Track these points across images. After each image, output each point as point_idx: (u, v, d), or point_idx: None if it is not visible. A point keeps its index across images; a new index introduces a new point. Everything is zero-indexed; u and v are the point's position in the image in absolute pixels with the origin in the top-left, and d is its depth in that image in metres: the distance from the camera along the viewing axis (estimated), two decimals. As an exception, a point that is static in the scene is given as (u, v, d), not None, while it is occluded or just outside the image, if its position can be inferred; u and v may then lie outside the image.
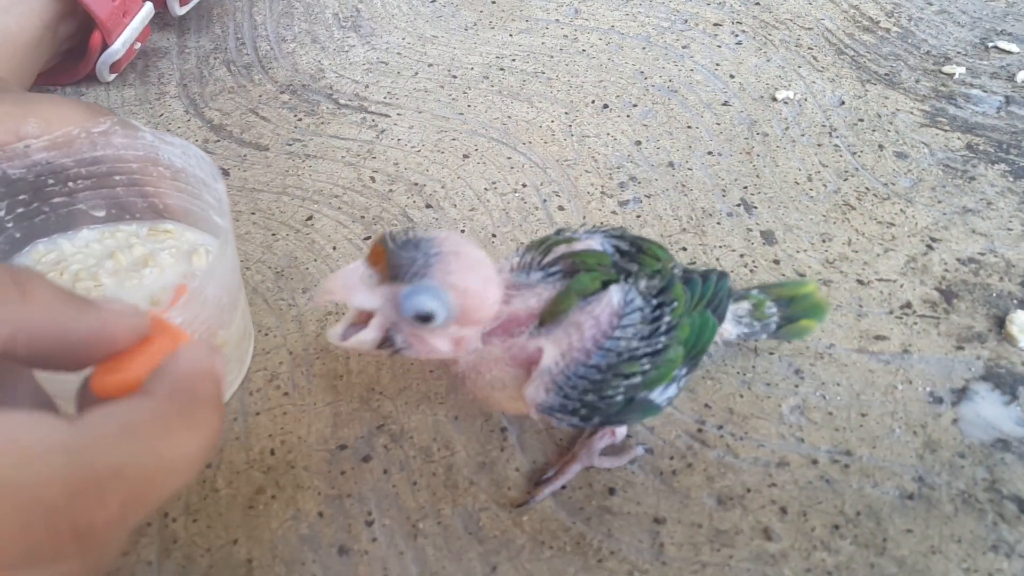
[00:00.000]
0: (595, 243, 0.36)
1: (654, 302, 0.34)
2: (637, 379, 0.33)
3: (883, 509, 0.38)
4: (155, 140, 0.41)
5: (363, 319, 0.33)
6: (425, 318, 0.32)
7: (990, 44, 0.65)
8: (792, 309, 0.41)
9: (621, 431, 0.39)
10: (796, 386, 0.42)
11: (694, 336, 0.36)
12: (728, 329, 0.40)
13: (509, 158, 0.56)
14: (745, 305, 0.40)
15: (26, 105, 0.41)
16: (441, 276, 0.31)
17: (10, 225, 0.42)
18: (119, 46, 0.58)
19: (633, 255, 0.36)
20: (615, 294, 0.33)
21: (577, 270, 0.34)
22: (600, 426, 0.36)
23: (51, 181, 0.42)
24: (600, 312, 0.33)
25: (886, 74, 0.63)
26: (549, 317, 0.33)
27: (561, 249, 0.36)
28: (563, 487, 0.39)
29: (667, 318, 0.34)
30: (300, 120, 0.60)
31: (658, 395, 0.35)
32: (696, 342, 0.36)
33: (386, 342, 0.33)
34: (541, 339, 0.33)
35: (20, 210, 0.42)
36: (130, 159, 0.42)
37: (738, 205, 0.52)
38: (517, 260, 0.36)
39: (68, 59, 0.61)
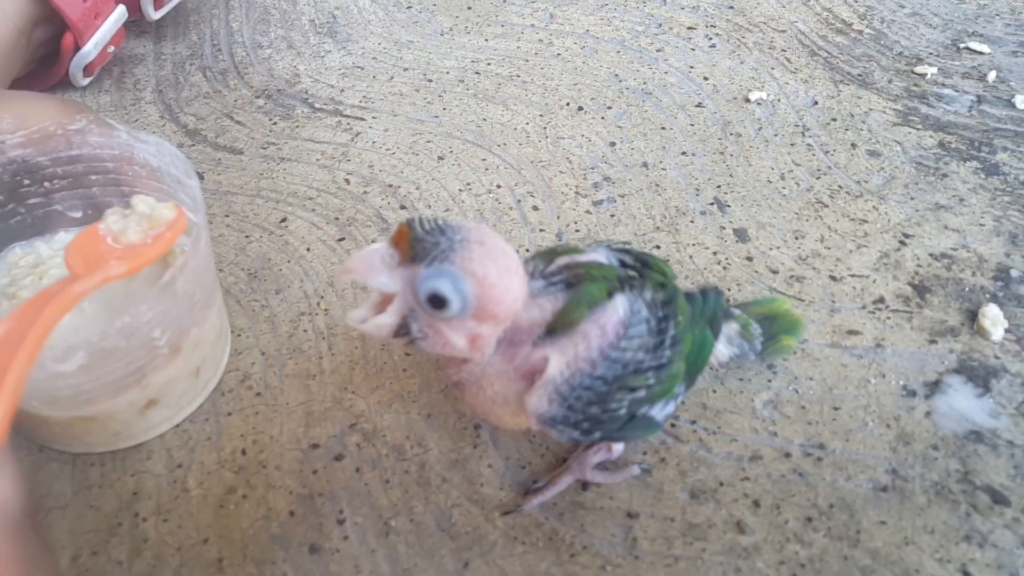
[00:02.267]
0: (601, 256, 0.35)
1: (660, 313, 0.34)
2: (642, 393, 0.33)
3: (856, 501, 0.38)
4: (130, 138, 0.41)
5: (385, 305, 0.32)
6: (440, 303, 0.30)
7: (962, 45, 0.66)
8: (772, 328, 0.41)
9: (618, 447, 0.38)
10: (769, 381, 0.42)
11: (695, 352, 0.35)
12: (721, 351, 0.39)
13: (484, 160, 0.56)
14: (734, 326, 0.40)
15: (1, 102, 0.40)
16: (462, 262, 0.30)
17: (-14, 227, 0.41)
18: (91, 47, 0.58)
19: (639, 269, 0.35)
20: (621, 304, 0.33)
21: (581, 280, 0.34)
22: (600, 441, 0.35)
23: (27, 181, 0.41)
24: (606, 321, 0.32)
25: (859, 75, 0.63)
26: (559, 328, 0.32)
27: (565, 260, 0.35)
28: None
29: (671, 331, 0.34)
30: (275, 124, 0.60)
31: (658, 411, 0.34)
32: (696, 358, 0.36)
33: (403, 329, 0.32)
34: (546, 349, 0.32)
35: (-5, 212, 0.41)
36: (106, 158, 0.42)
37: (711, 204, 0.53)
38: None
39: (42, 66, 0.61)
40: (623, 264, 0.35)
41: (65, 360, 0.34)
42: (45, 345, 0.38)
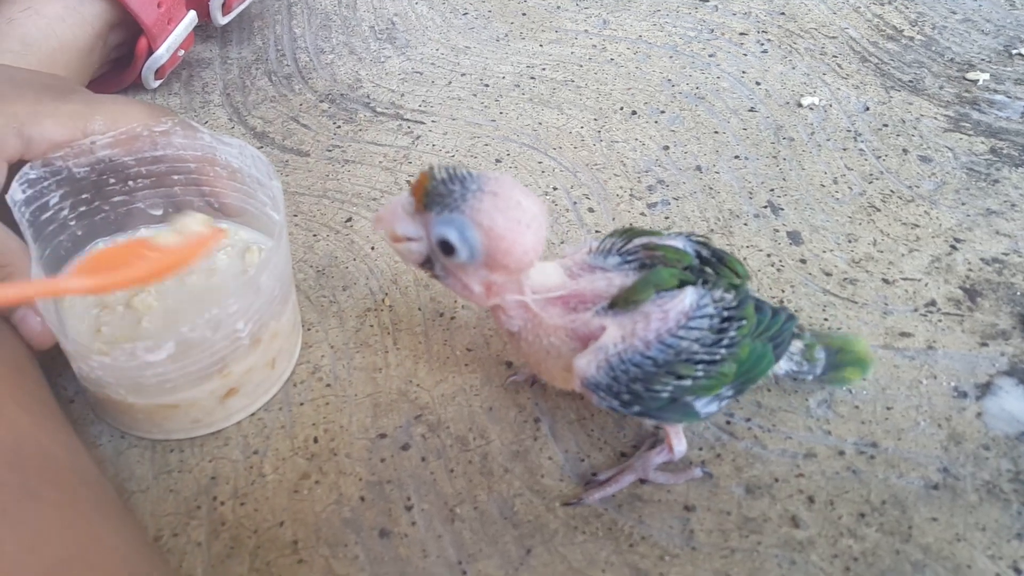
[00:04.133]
0: (679, 243, 0.37)
1: (724, 313, 0.35)
2: (688, 382, 0.34)
3: (908, 498, 0.39)
4: (213, 141, 0.43)
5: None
6: (448, 249, 0.33)
7: (1014, 51, 0.66)
8: (839, 357, 0.41)
9: (680, 449, 0.39)
10: (822, 380, 0.43)
11: (750, 362, 0.36)
12: (780, 364, 0.39)
13: (540, 163, 0.58)
14: (798, 344, 0.40)
15: (94, 104, 0.43)
16: (470, 212, 0.32)
17: (72, 223, 0.44)
18: (163, 51, 0.61)
19: (714, 264, 0.36)
20: (690, 295, 0.34)
21: (656, 262, 0.35)
22: (638, 416, 0.36)
23: (112, 179, 0.44)
24: (671, 308, 0.34)
25: (910, 81, 0.64)
26: (622, 303, 0.34)
27: (643, 240, 0.36)
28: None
29: (732, 332, 0.35)
30: (339, 127, 0.62)
31: (702, 406, 0.35)
32: (751, 369, 0.36)
33: (428, 263, 0.35)
34: (606, 319, 0.34)
35: (82, 208, 0.44)
36: (189, 159, 0.44)
37: (765, 207, 0.54)
38: (596, 244, 0.37)
39: (115, 69, 0.64)
40: (699, 256, 0.36)
41: (156, 350, 0.36)
42: (135, 337, 0.41)
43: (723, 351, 0.34)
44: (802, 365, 0.40)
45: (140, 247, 0.37)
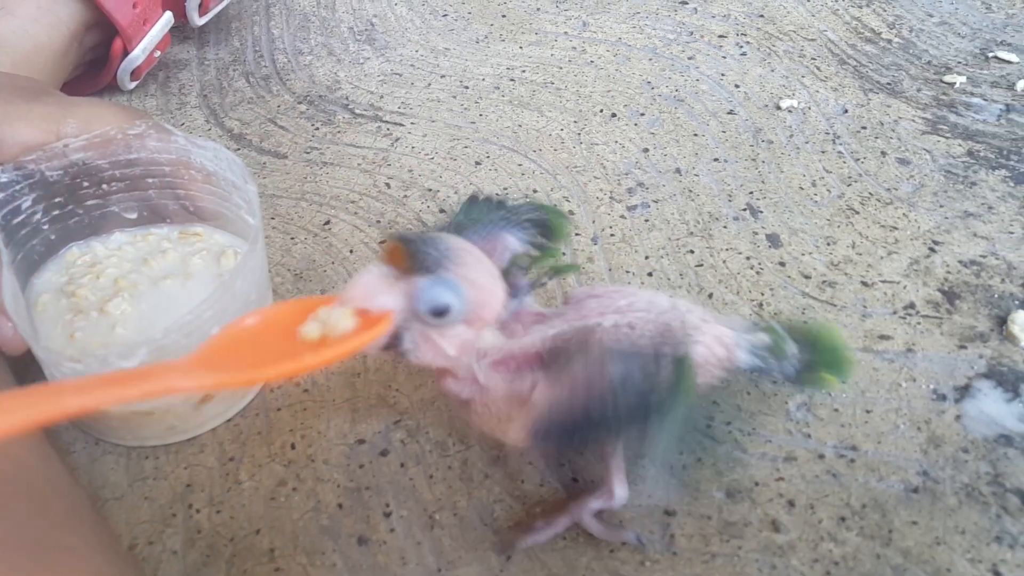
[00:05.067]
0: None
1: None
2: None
3: (888, 502, 0.39)
4: (188, 144, 0.43)
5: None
6: (441, 312, 0.32)
7: (990, 54, 0.67)
8: (814, 356, 0.39)
9: (620, 497, 0.37)
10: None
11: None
12: (741, 357, 0.37)
13: (520, 165, 0.58)
14: (763, 337, 0.38)
15: (67, 107, 0.42)
16: (457, 269, 0.32)
17: (46, 227, 0.43)
18: (139, 52, 0.60)
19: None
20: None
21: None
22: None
23: (86, 183, 0.43)
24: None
25: (888, 83, 0.64)
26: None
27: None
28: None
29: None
30: (317, 129, 0.61)
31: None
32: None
33: (393, 342, 0.33)
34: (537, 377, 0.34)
35: (55, 212, 0.43)
36: (163, 162, 0.43)
37: (744, 209, 0.54)
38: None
39: (90, 70, 0.63)
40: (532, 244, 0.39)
41: (129, 356, 0.35)
42: (109, 343, 0.40)
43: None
44: (768, 362, 0.38)
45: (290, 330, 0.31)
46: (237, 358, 0.29)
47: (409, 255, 0.32)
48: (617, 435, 0.35)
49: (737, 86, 0.64)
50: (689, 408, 0.33)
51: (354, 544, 0.38)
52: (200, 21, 0.66)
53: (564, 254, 0.41)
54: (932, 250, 0.51)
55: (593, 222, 0.53)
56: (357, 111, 0.63)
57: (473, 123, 0.61)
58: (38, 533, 0.31)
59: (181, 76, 0.67)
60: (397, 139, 0.60)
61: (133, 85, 0.64)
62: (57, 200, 0.43)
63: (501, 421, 0.35)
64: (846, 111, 0.62)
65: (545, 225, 0.40)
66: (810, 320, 0.46)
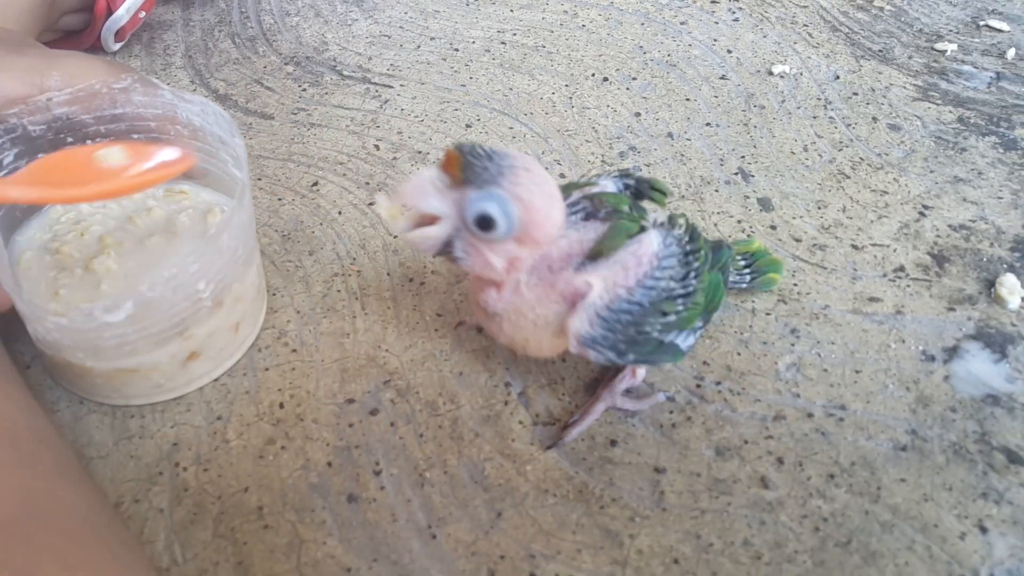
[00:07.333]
0: (611, 186, 0.39)
1: (687, 248, 0.37)
2: (672, 318, 0.36)
3: (877, 460, 0.39)
4: (174, 98, 0.42)
5: (427, 221, 0.34)
6: (487, 224, 0.33)
7: (981, 22, 0.66)
8: (757, 264, 0.44)
9: (641, 372, 0.41)
10: (792, 344, 0.44)
11: (711, 291, 0.38)
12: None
13: (511, 128, 0.57)
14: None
15: (50, 59, 0.41)
16: (509, 187, 0.32)
17: (27, 182, 0.42)
18: (123, 12, 0.59)
19: (645, 191, 0.39)
20: (655, 238, 0.36)
21: (599, 209, 0.36)
22: (633, 364, 0.38)
23: (70, 138, 0.42)
24: (643, 253, 0.35)
25: (880, 50, 0.64)
26: (599, 254, 0.35)
27: (581, 192, 0.38)
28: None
29: (695, 264, 0.37)
30: (304, 90, 0.60)
31: (682, 340, 0.37)
32: (712, 297, 0.38)
33: (446, 247, 0.34)
34: (588, 274, 0.35)
35: (38, 167, 0.42)
36: (149, 117, 0.43)
37: (736, 174, 0.53)
38: None
39: (73, 36, 0.62)
40: (628, 189, 0.39)
41: (115, 310, 0.35)
42: (94, 300, 0.40)
43: (693, 283, 0.36)
44: (731, 275, 0.43)
45: (89, 159, 0.36)
46: (58, 180, 0.35)
47: (464, 165, 0.32)
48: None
49: (729, 51, 0.64)
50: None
51: (344, 502, 0.38)
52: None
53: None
54: (922, 214, 0.51)
55: (584, 185, 0.53)
56: (345, 73, 0.62)
57: (463, 86, 0.61)
58: (27, 483, 0.31)
59: (166, 37, 0.66)
60: (386, 101, 0.59)
61: (118, 46, 0.63)
62: (40, 155, 0.42)
63: (537, 327, 0.36)
64: (838, 77, 0.61)
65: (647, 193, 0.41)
66: (800, 283, 0.46)
